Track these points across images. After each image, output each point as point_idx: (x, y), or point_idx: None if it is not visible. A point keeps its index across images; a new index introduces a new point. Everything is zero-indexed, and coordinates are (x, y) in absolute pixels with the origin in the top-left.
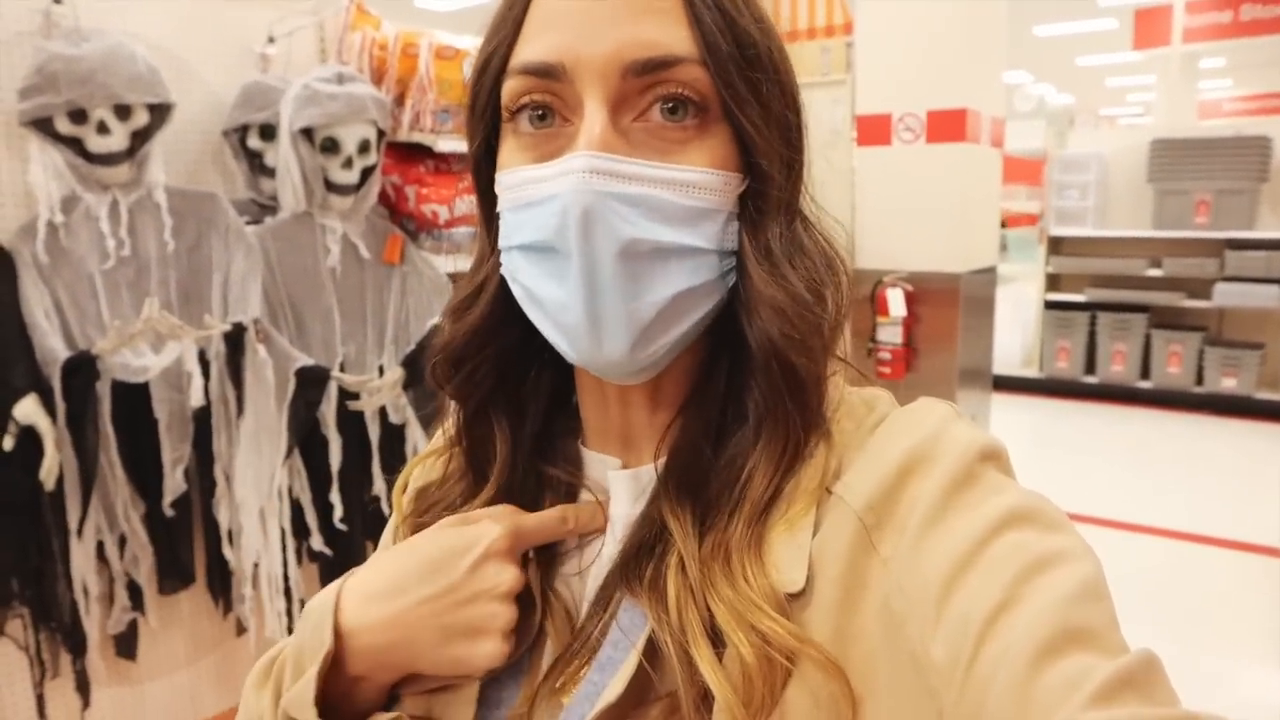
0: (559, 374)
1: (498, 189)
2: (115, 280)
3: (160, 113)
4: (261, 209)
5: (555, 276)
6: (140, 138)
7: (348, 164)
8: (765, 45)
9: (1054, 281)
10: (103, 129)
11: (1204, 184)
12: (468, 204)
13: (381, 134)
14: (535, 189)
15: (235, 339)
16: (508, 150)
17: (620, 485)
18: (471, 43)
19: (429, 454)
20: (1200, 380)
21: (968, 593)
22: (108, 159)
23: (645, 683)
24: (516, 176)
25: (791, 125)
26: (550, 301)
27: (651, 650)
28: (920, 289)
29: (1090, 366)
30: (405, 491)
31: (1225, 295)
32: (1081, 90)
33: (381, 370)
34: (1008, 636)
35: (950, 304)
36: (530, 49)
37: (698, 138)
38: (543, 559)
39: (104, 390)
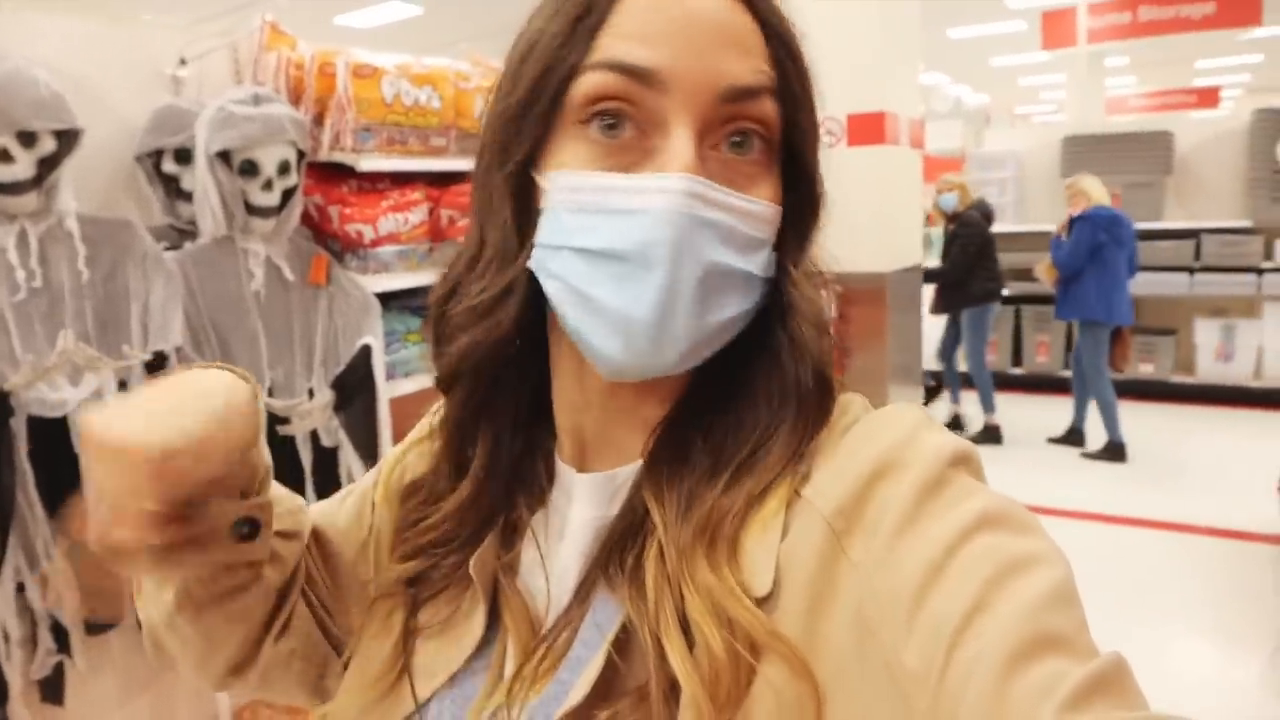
0: (538, 378)
1: (549, 185)
2: (27, 313)
3: (68, 139)
4: (180, 234)
5: (622, 285)
6: (47, 165)
7: (268, 186)
8: (814, 83)
9: None
10: (6, 157)
11: (1114, 177)
12: (393, 222)
13: (301, 154)
14: (620, 198)
15: (157, 368)
16: (572, 152)
17: (589, 489)
18: (393, 60)
19: (416, 441)
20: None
21: (940, 598)
22: (13, 188)
23: (613, 677)
24: (590, 180)
25: (818, 158)
26: (611, 309)
27: (621, 643)
28: (848, 289)
29: (1017, 358)
30: (396, 476)
31: (1139, 284)
32: (996, 90)
33: (311, 393)
34: (980, 642)
35: (878, 303)
36: (621, 50)
37: (763, 173)
38: (502, 558)
39: (19, 426)
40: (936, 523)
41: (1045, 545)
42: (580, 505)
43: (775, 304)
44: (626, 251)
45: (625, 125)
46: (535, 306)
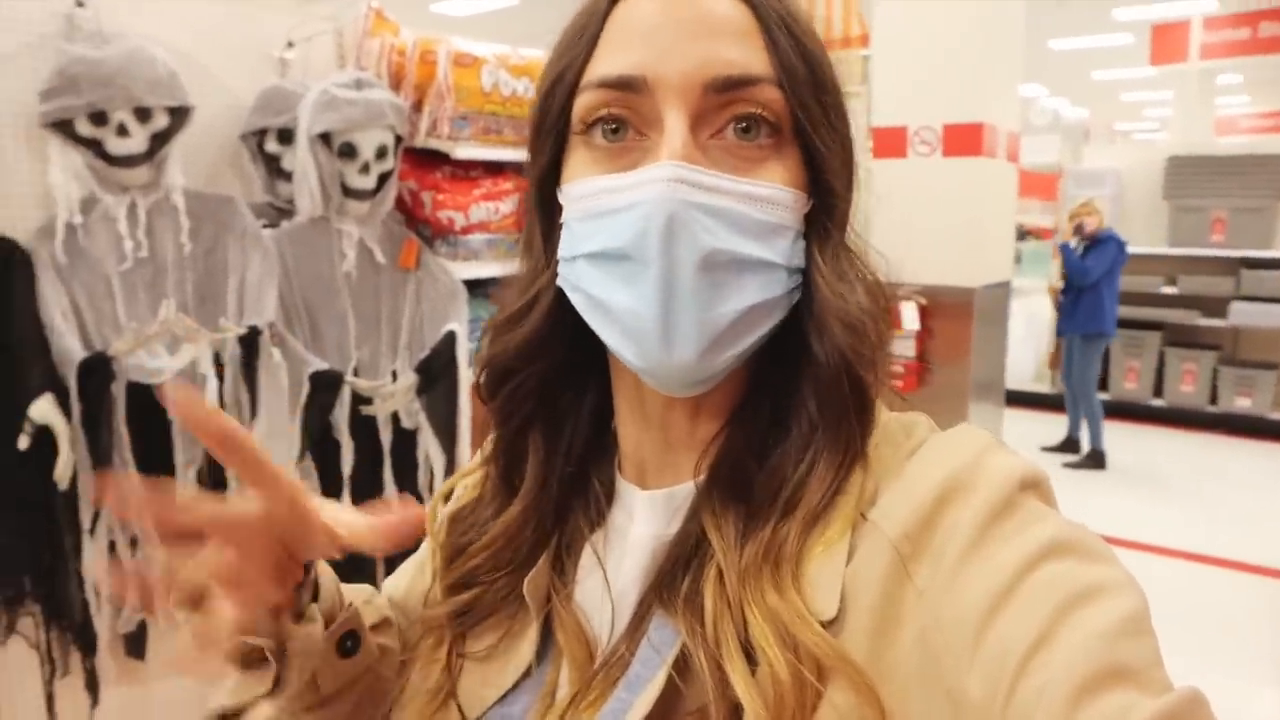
0: (599, 397)
1: (564, 200)
2: (132, 282)
3: (179, 116)
4: (278, 213)
5: (628, 284)
6: (159, 140)
7: (365, 169)
8: (830, 67)
9: None
10: (122, 131)
11: (1220, 201)
12: (484, 210)
13: (399, 140)
14: (613, 198)
15: (250, 342)
16: (578, 162)
17: (648, 507)
18: (492, 49)
19: (464, 474)
20: (1214, 399)
21: (1005, 626)
22: (127, 161)
23: (674, 699)
24: (590, 186)
25: (849, 146)
26: (621, 309)
27: (681, 666)
28: (934, 302)
29: (1103, 383)
30: (438, 516)
31: (1241, 314)
32: (1096, 105)
33: (395, 375)
34: (1046, 673)
35: (964, 318)
36: (609, 63)
37: (772, 156)
38: (558, 579)
39: (119, 391)
40: (1003, 549)
41: (1117, 574)
42: (641, 524)
43: (809, 301)
44: (625, 249)
45: (626, 128)
46: (586, 327)
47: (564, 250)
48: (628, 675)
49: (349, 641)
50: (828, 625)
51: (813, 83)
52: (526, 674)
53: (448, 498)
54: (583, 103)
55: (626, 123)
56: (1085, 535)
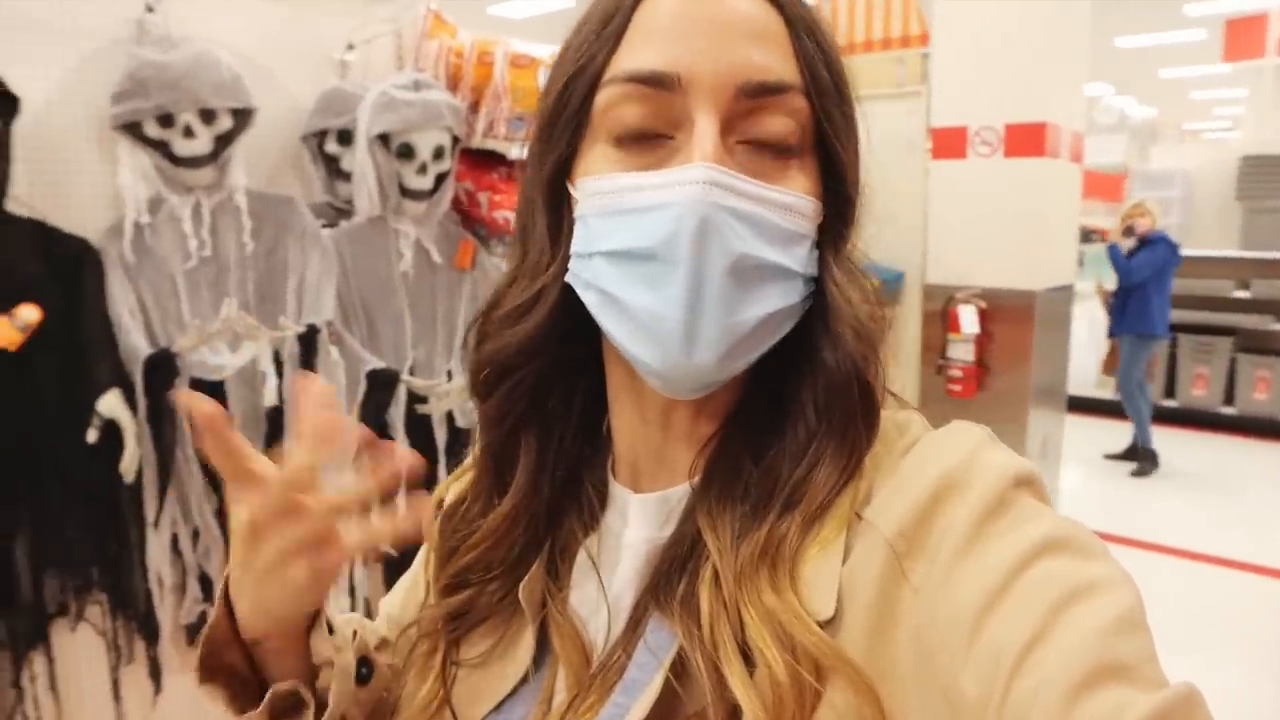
0: (589, 398)
1: (578, 194)
2: (196, 280)
3: (243, 118)
4: (337, 213)
5: (652, 285)
6: (223, 142)
7: (422, 170)
8: (848, 76)
9: None
10: (188, 133)
11: None
12: None
13: (456, 140)
14: (638, 196)
15: (309, 340)
16: (598, 157)
17: (643, 510)
18: (548, 51)
19: (455, 477)
20: None
21: (1000, 624)
22: (192, 162)
23: (672, 702)
24: (613, 182)
25: (859, 156)
26: (641, 309)
27: (679, 669)
28: (994, 306)
29: (1170, 390)
30: (436, 519)
31: None
32: (1164, 103)
33: (450, 375)
34: (1041, 671)
35: (1025, 322)
36: (639, 58)
37: (795, 164)
38: (552, 583)
39: (183, 387)
40: (997, 546)
41: (1111, 570)
42: (635, 527)
43: (817, 308)
44: (652, 249)
45: (651, 126)
46: (587, 326)
47: (579, 246)
48: (624, 680)
49: (363, 668)
50: (825, 625)
51: (836, 93)
52: (523, 681)
53: (440, 503)
54: (607, 96)
55: (651, 120)
56: (1079, 532)
